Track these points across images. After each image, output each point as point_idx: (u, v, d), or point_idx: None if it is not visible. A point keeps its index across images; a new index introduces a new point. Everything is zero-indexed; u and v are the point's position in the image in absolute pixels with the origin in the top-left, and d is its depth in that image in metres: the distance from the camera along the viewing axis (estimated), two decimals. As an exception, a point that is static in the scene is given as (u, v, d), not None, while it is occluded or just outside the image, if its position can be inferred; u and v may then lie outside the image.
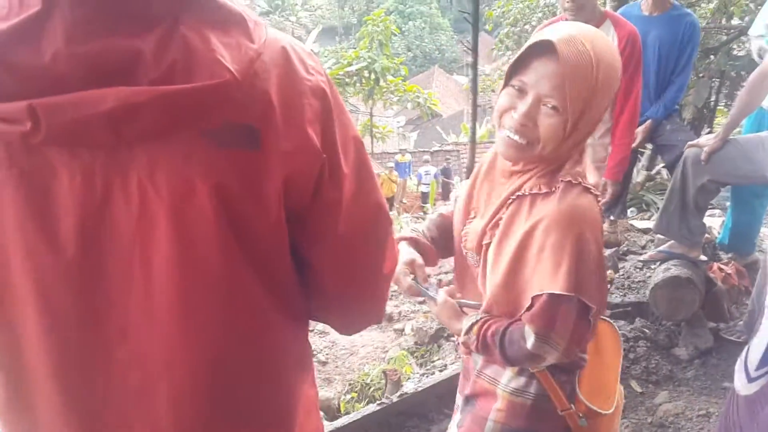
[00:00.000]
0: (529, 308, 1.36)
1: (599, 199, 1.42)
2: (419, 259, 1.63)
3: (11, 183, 0.85)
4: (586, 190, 1.37)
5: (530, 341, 1.34)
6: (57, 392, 0.95)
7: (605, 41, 1.39)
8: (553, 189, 1.37)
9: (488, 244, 1.47)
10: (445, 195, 15.89)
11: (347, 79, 19.50)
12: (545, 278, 1.32)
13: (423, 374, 3.74)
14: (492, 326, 1.43)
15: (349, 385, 3.96)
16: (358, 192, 1.03)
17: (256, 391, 1.05)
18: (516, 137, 1.40)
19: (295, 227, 1.00)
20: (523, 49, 1.41)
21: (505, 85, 1.44)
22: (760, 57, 3.54)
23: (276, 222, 0.95)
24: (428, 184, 16.26)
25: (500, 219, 1.45)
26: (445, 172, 17.31)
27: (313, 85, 0.95)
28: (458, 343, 1.58)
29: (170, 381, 0.95)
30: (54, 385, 0.95)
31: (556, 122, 1.36)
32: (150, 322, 0.92)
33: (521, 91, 1.40)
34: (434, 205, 11.54)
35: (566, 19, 3.42)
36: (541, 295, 1.33)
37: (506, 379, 1.52)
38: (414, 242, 1.69)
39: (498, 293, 1.43)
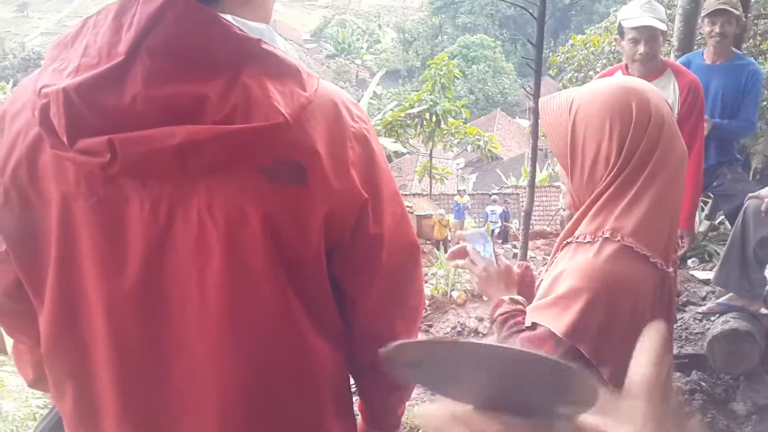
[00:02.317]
0: (529, 328, 1.40)
1: (651, 257, 1.34)
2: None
3: (90, 211, 0.96)
4: (626, 248, 1.32)
5: None
6: (118, 403, 1.04)
7: (601, 88, 1.42)
8: (595, 240, 1.36)
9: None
10: (504, 239, 15.75)
11: (408, 121, 19.72)
12: (552, 315, 1.34)
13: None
14: (516, 319, 1.47)
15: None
16: (397, 229, 1.13)
17: (296, 408, 1.11)
18: (560, 184, 1.51)
19: (337, 260, 1.09)
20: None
21: None
22: None
23: (316, 252, 1.04)
24: (495, 222, 16.20)
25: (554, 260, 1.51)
26: (504, 216, 17.20)
27: (357, 131, 1.05)
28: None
29: (219, 394, 1.04)
30: (116, 396, 1.04)
31: (560, 170, 1.49)
32: (204, 338, 1.01)
33: None
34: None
35: (627, 68, 3.44)
36: (543, 326, 1.35)
37: None
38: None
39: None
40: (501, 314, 1.51)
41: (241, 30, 0.96)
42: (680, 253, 2.64)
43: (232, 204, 0.95)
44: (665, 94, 3.27)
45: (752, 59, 4.17)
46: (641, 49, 3.25)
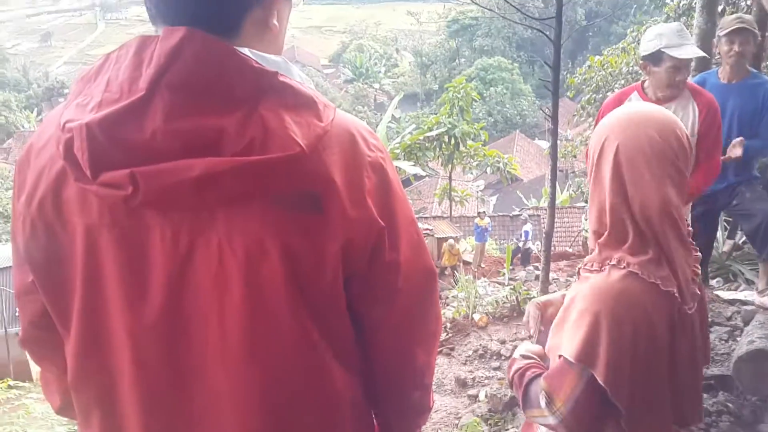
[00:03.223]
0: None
1: (662, 285, 1.36)
2: (553, 305, 1.77)
3: (113, 242, 0.99)
4: (632, 274, 1.36)
5: (543, 400, 1.40)
6: (142, 429, 1.06)
7: (611, 121, 1.46)
8: (602, 268, 1.41)
9: None
10: (524, 260, 15.66)
11: (427, 144, 19.76)
12: (566, 342, 1.38)
13: (495, 442, 3.69)
14: (535, 368, 1.52)
15: (421, 450, 3.95)
16: (414, 256, 1.14)
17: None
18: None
19: (355, 288, 1.10)
20: None
21: None
22: None
23: (334, 280, 1.05)
24: (529, 240, 16.20)
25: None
26: (526, 236, 17.10)
27: (373, 160, 1.07)
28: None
29: (240, 422, 1.05)
30: (140, 423, 1.06)
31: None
32: (224, 367, 1.03)
33: None
34: (510, 269, 11.38)
35: (643, 87, 3.44)
36: (561, 356, 1.39)
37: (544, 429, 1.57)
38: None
39: (549, 352, 1.52)
40: (516, 371, 1.55)
41: (258, 63, 0.98)
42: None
43: (251, 234, 0.97)
44: (685, 114, 3.29)
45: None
46: (679, 77, 3.28)
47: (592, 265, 1.44)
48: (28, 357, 1.25)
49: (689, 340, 1.46)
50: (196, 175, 0.91)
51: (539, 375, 1.47)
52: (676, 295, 1.37)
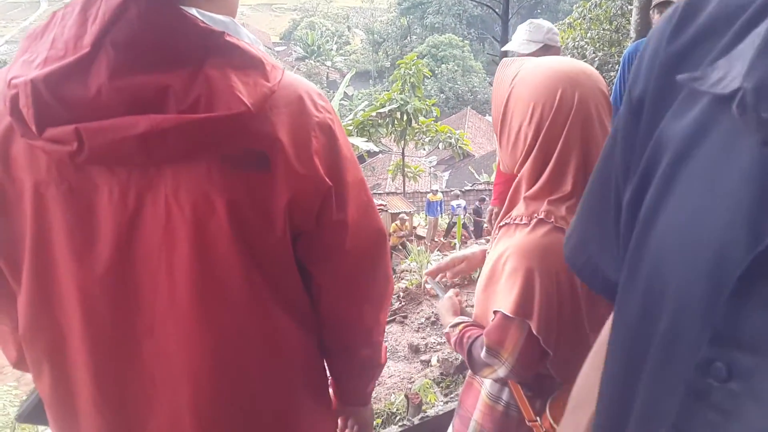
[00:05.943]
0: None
1: None
2: (461, 263, 1.81)
3: (61, 198, 1.00)
4: (558, 228, 1.41)
5: (483, 351, 1.45)
6: (92, 383, 1.08)
7: (539, 69, 1.46)
8: (530, 221, 1.44)
9: None
10: (477, 234, 15.89)
11: (380, 120, 19.76)
12: (502, 299, 1.42)
13: (446, 403, 3.81)
14: (470, 331, 1.56)
15: (375, 413, 4.05)
16: (362, 215, 1.17)
17: (268, 385, 1.16)
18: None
19: (304, 246, 1.13)
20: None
21: None
22: None
23: (282, 238, 1.07)
24: (457, 215, 16.36)
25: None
26: (477, 212, 17.34)
27: (321, 121, 1.09)
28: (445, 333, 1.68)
29: (191, 374, 1.08)
30: (90, 375, 1.08)
31: (497, 137, 1.56)
32: (174, 320, 1.05)
33: None
34: (461, 243, 11.55)
35: None
36: (498, 312, 1.43)
37: (487, 383, 1.63)
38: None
39: (476, 307, 1.57)
40: (455, 341, 1.59)
41: (205, 23, 0.99)
42: None
43: (198, 191, 0.98)
44: None
45: None
46: None
47: (521, 219, 1.48)
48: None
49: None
50: (141, 131, 0.92)
51: (478, 336, 1.51)
52: None
